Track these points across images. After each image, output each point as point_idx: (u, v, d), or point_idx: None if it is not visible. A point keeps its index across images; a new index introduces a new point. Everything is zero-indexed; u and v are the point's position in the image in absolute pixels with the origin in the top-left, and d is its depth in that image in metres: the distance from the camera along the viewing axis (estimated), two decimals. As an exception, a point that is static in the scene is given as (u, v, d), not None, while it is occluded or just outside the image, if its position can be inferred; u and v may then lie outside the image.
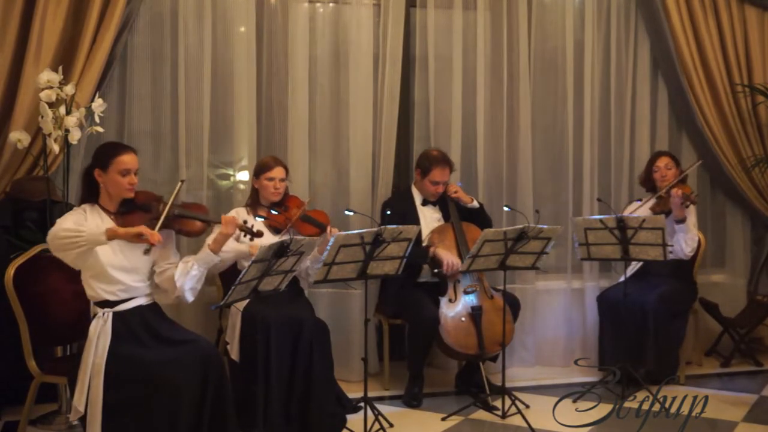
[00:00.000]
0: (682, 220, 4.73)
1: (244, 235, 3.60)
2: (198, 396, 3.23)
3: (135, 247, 3.30)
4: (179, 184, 3.54)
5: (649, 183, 5.03)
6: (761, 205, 5.51)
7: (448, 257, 4.42)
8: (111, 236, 3.16)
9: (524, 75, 5.13)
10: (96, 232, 3.17)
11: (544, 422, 4.04)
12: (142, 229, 3.21)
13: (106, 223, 3.33)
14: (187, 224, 3.48)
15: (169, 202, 3.40)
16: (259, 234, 3.58)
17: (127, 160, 3.35)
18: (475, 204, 4.71)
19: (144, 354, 3.26)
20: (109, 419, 3.16)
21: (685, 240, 4.76)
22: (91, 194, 3.41)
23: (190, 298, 3.49)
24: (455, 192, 4.65)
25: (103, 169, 3.34)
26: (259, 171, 4.28)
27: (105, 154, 3.38)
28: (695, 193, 4.79)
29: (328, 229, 4.14)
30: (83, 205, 3.39)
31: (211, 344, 3.50)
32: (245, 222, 3.61)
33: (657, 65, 5.44)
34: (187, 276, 3.45)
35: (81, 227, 3.20)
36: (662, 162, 4.94)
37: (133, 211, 3.39)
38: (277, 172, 4.23)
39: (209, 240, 3.61)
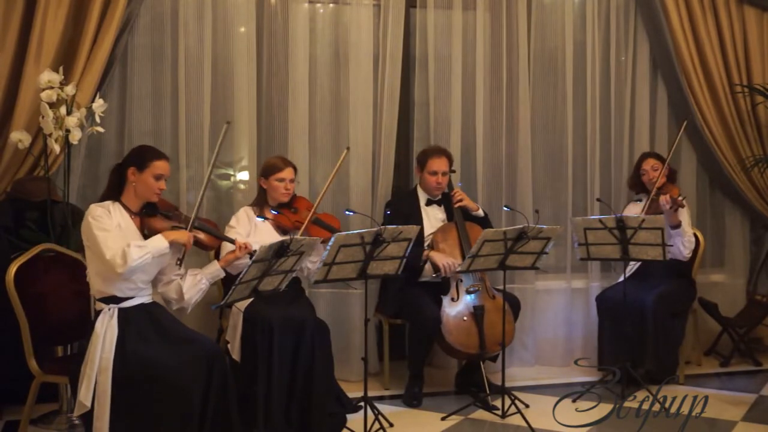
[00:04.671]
0: (677, 225, 4.73)
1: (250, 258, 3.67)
2: (202, 396, 3.24)
3: None
4: (225, 126, 3.70)
5: (637, 186, 5.03)
6: (760, 205, 5.51)
7: (443, 260, 4.42)
8: (169, 240, 3.39)
9: (524, 75, 5.13)
10: (158, 245, 3.33)
11: (544, 422, 4.05)
12: (186, 240, 3.41)
13: (127, 221, 3.41)
14: (205, 238, 3.60)
15: (195, 208, 3.52)
16: None
17: (164, 166, 3.47)
18: (480, 213, 4.71)
19: (151, 352, 3.27)
20: (117, 417, 3.17)
21: (683, 243, 4.77)
22: (116, 190, 3.46)
23: (190, 310, 3.64)
24: (461, 201, 4.64)
25: (139, 169, 3.42)
26: (268, 172, 4.26)
27: (145, 155, 3.46)
28: (682, 195, 4.75)
29: None
30: (106, 202, 3.41)
31: (214, 344, 3.53)
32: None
33: (657, 65, 5.45)
34: (196, 289, 3.56)
35: (143, 245, 3.29)
36: (648, 164, 4.93)
37: (155, 214, 3.49)
38: (288, 173, 4.24)
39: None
